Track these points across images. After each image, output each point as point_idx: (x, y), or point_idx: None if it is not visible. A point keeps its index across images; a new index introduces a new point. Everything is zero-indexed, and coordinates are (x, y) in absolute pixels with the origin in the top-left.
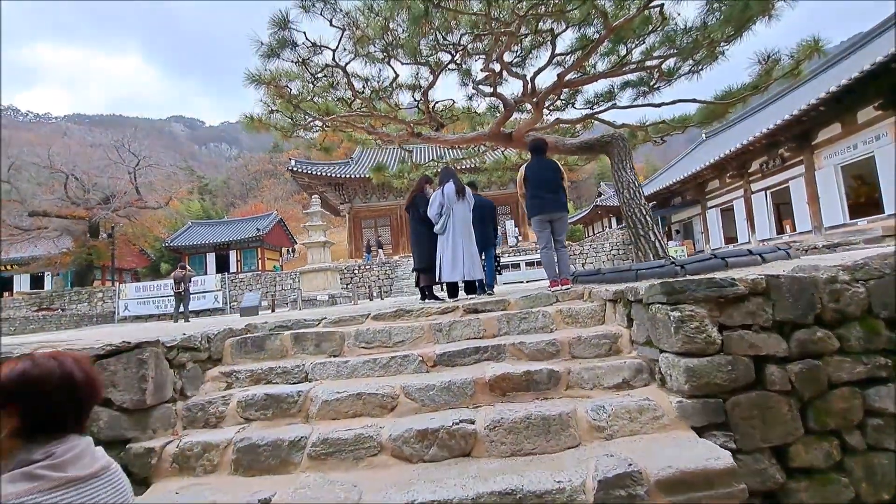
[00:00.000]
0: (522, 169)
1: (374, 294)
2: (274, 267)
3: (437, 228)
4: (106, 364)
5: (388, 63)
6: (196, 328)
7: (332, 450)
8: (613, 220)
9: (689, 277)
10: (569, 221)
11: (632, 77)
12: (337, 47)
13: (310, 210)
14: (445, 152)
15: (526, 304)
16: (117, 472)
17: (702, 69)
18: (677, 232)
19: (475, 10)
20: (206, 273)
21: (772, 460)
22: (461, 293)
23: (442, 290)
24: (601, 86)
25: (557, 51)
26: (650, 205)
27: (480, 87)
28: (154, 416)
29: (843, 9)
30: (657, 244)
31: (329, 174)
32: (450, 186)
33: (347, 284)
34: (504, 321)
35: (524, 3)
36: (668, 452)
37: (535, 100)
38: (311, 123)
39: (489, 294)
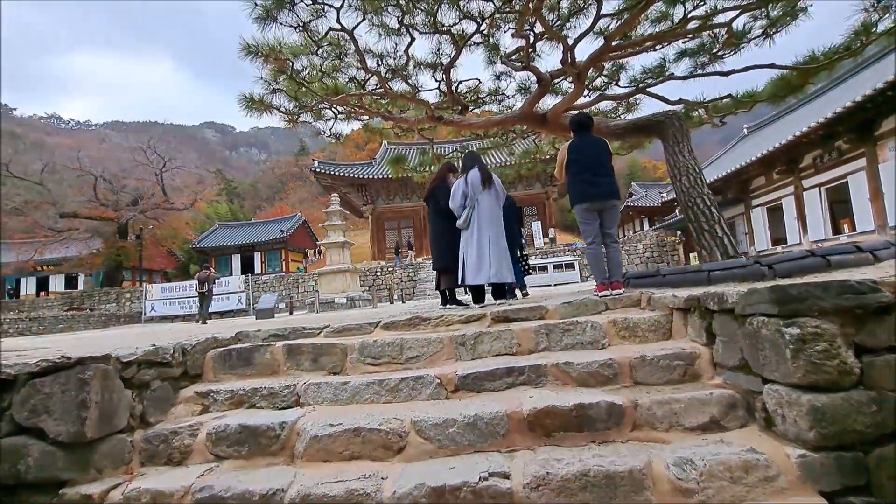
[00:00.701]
0: (563, 148)
1: (395, 297)
2: (297, 269)
3: (459, 222)
4: (40, 385)
5: (404, 29)
6: (176, 337)
7: None
8: (646, 222)
9: (808, 280)
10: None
11: (689, 45)
12: (342, 5)
13: (329, 209)
14: (471, 146)
15: (568, 311)
16: None
17: (776, 31)
18: None
19: None
20: (231, 274)
21: None
22: (488, 297)
23: (466, 293)
24: (650, 59)
25: (603, 11)
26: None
27: (511, 61)
28: (100, 452)
29: None
30: (726, 240)
31: (351, 174)
32: (474, 173)
33: (370, 287)
34: (543, 334)
35: None
36: None
37: (576, 71)
38: (319, 106)
39: (523, 296)
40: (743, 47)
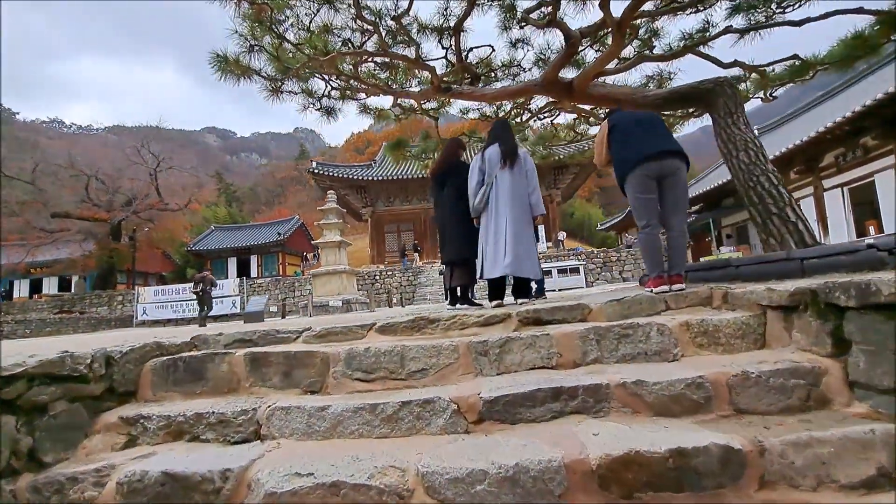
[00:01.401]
0: (603, 124)
1: (394, 301)
2: (295, 272)
3: (474, 204)
4: None
5: None
6: (140, 340)
7: None
8: None
9: None
10: (604, 227)
11: None
12: None
13: (324, 206)
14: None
15: (618, 310)
16: None
17: None
18: (728, 237)
19: None
20: (226, 278)
21: None
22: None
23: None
24: (690, 23)
25: None
26: (695, 208)
27: (531, 18)
28: None
29: None
30: (801, 225)
31: (350, 176)
32: (493, 150)
33: (368, 291)
34: (592, 340)
35: None
36: None
37: (616, 19)
38: (307, 70)
39: (541, 299)
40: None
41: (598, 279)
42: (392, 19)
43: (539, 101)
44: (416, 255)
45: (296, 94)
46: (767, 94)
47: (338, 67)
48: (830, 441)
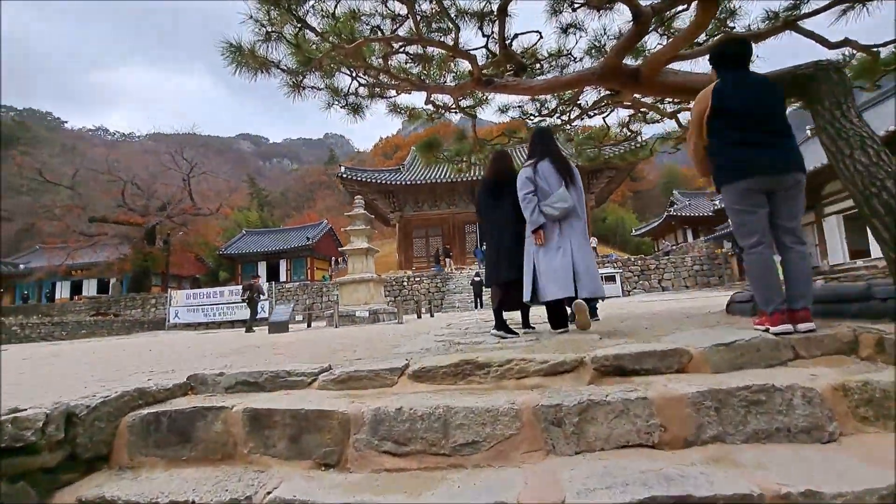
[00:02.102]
0: (708, 92)
1: (423, 310)
2: (323, 277)
3: (531, 218)
4: None
5: None
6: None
7: None
8: (689, 233)
9: None
10: (639, 233)
11: None
12: None
13: (352, 213)
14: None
15: (728, 358)
16: None
17: None
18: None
19: None
20: None
21: None
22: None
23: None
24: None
25: None
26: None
27: None
28: None
29: None
30: None
31: (378, 180)
32: (547, 165)
33: (395, 297)
34: (709, 408)
35: None
36: None
37: None
38: (331, 59)
39: (593, 319)
40: None
41: (635, 288)
42: (424, 19)
43: (588, 97)
44: (448, 260)
45: (319, 89)
46: (874, 83)
47: (365, 60)
48: None
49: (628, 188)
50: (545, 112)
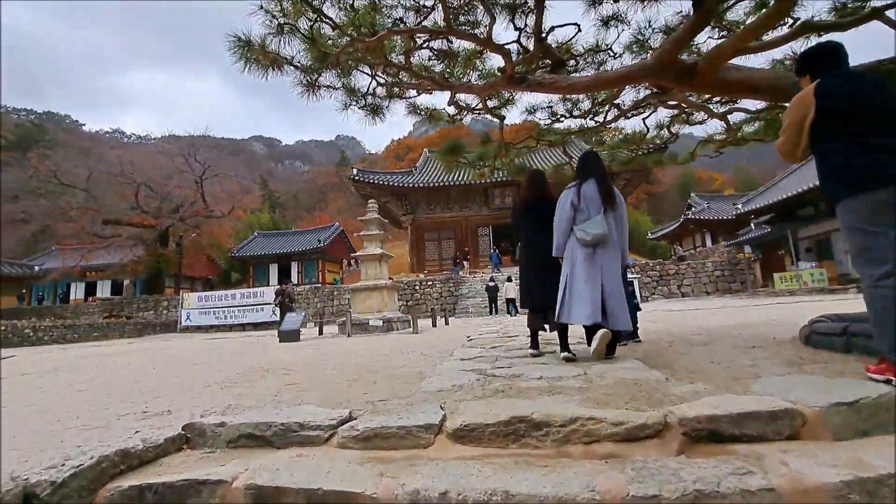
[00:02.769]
0: (806, 96)
1: (437, 316)
2: (334, 280)
3: (555, 247)
4: None
5: None
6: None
7: None
8: (708, 237)
9: None
10: (654, 236)
11: None
12: None
13: (365, 217)
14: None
15: (852, 422)
16: None
17: None
18: (808, 250)
19: None
20: (268, 284)
21: None
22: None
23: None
24: None
25: None
26: (764, 218)
27: None
28: None
29: None
30: None
31: (391, 183)
32: (591, 188)
33: (407, 302)
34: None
35: None
36: None
37: None
38: (348, 55)
39: (634, 341)
40: None
41: (653, 294)
42: (452, 12)
43: (626, 96)
44: (466, 263)
45: (335, 89)
46: None
47: (386, 57)
48: None
49: (643, 190)
50: (577, 113)
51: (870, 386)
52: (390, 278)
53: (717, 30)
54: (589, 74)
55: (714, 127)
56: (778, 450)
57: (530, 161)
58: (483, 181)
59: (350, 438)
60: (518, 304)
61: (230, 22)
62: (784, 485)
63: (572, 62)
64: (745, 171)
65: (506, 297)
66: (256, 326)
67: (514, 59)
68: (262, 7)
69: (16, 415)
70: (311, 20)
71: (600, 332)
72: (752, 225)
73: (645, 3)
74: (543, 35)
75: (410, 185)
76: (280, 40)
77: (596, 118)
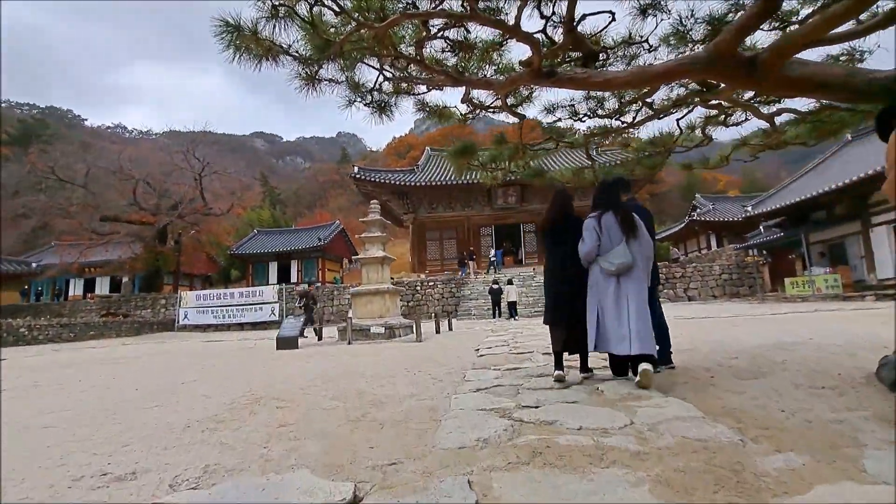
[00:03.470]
0: None
1: (438, 318)
2: (334, 278)
3: (591, 278)
4: None
5: None
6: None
7: None
8: (713, 238)
9: None
10: (657, 238)
11: None
12: None
13: (367, 218)
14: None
15: None
16: None
17: None
18: (821, 255)
19: None
20: (267, 283)
21: None
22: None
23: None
24: None
25: None
26: (774, 221)
27: None
28: None
29: None
30: None
31: (392, 181)
32: (610, 219)
33: (408, 303)
34: None
35: None
36: None
37: None
38: (352, 44)
39: (668, 367)
40: None
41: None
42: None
43: (657, 94)
44: (472, 262)
45: (338, 83)
46: None
47: (396, 48)
48: None
49: (646, 191)
50: (602, 113)
51: None
52: (392, 278)
53: (773, 20)
54: (626, 69)
55: (749, 128)
56: None
57: (545, 163)
58: (495, 184)
59: None
60: (542, 320)
61: (229, 14)
62: None
63: (604, 54)
64: (750, 173)
65: (507, 301)
66: (255, 326)
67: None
68: None
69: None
70: (311, 3)
71: (643, 367)
72: (760, 228)
73: None
74: (575, 23)
75: (413, 183)
76: (275, 26)
77: (622, 118)
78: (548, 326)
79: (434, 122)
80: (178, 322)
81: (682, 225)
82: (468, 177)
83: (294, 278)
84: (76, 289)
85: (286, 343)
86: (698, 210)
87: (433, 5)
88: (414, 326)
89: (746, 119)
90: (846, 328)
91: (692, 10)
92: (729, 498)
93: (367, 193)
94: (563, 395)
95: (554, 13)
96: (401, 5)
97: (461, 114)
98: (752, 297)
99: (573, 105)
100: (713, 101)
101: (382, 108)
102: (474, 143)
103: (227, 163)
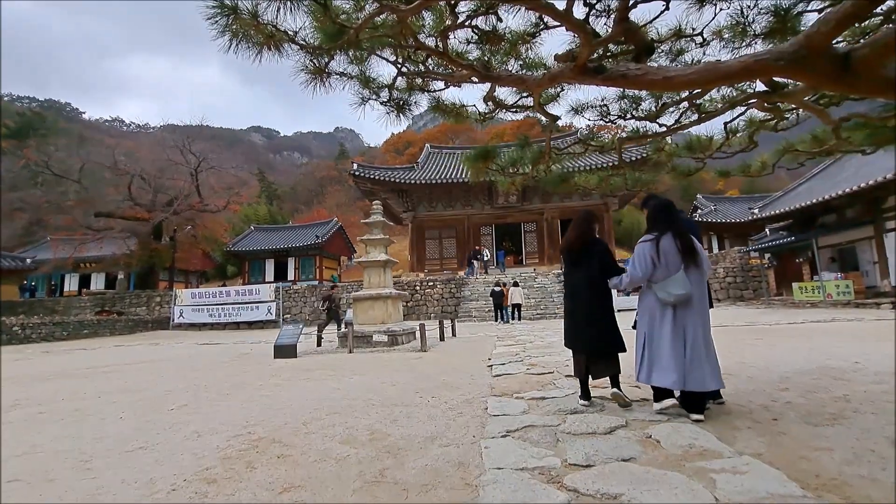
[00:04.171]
0: None
1: (442, 326)
2: (332, 276)
3: (623, 284)
4: None
5: None
6: None
7: None
8: (714, 240)
9: None
10: None
11: None
12: None
13: (370, 220)
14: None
15: None
16: None
17: None
18: (832, 260)
19: None
20: (264, 280)
21: None
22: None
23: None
24: None
25: None
26: (781, 224)
27: None
28: None
29: None
30: None
31: (392, 179)
32: (668, 243)
33: (406, 302)
34: None
35: None
36: None
37: None
38: (369, 34)
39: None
40: None
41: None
42: None
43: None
44: (475, 262)
45: (351, 77)
46: None
47: (417, 38)
48: None
49: (645, 190)
50: (639, 115)
51: None
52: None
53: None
54: (693, 69)
55: (813, 130)
56: None
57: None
58: (515, 190)
59: None
60: (564, 343)
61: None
62: None
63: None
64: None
65: (512, 303)
66: (251, 325)
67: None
68: None
69: None
70: None
71: (695, 417)
72: (766, 230)
73: None
74: (628, 5)
75: (413, 181)
76: (279, 8)
77: (659, 120)
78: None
79: (432, 119)
80: (174, 321)
81: None
82: (468, 175)
83: (291, 276)
84: (71, 284)
85: (284, 352)
86: (700, 211)
87: None
88: (418, 335)
89: (797, 123)
90: (883, 348)
91: (756, 1)
92: None
93: (365, 191)
94: (614, 447)
95: (600, 0)
96: None
97: (480, 113)
98: (758, 301)
99: (605, 105)
100: (771, 104)
101: (400, 107)
102: (495, 148)
103: (223, 158)
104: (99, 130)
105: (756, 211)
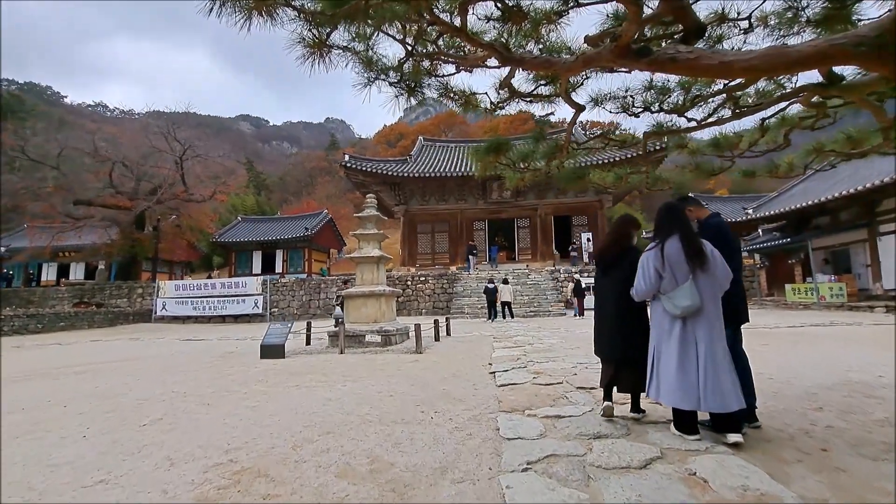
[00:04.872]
0: None
1: (437, 326)
2: (321, 270)
3: (653, 315)
4: None
5: None
6: None
7: None
8: None
9: None
10: (647, 236)
11: None
12: None
13: (363, 214)
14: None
15: None
16: None
17: None
18: (826, 262)
19: None
20: (251, 273)
21: None
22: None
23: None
24: None
25: None
26: (774, 225)
27: None
28: None
29: None
30: None
31: (385, 172)
32: (673, 247)
33: (398, 299)
34: None
35: None
36: None
37: None
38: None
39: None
40: None
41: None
42: None
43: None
44: (472, 257)
45: (355, 53)
46: None
47: (432, 11)
48: None
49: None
50: (665, 108)
51: None
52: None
53: None
54: (756, 53)
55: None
56: None
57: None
58: (524, 186)
59: None
60: (594, 351)
61: None
62: None
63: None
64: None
65: (501, 300)
66: (237, 319)
67: (611, 24)
68: None
69: None
70: None
71: (733, 437)
72: (759, 231)
73: None
74: None
75: (406, 174)
76: None
77: (687, 115)
78: (575, 349)
79: (424, 112)
80: (156, 313)
81: None
82: (462, 169)
83: (279, 269)
84: (49, 274)
85: (271, 352)
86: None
87: None
88: (413, 335)
89: (834, 122)
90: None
91: None
92: None
93: (357, 182)
94: (656, 488)
95: None
96: None
97: (491, 102)
98: (749, 301)
99: (629, 96)
100: (822, 98)
101: (412, 90)
102: (508, 140)
103: (210, 146)
104: (81, 115)
105: (750, 211)
